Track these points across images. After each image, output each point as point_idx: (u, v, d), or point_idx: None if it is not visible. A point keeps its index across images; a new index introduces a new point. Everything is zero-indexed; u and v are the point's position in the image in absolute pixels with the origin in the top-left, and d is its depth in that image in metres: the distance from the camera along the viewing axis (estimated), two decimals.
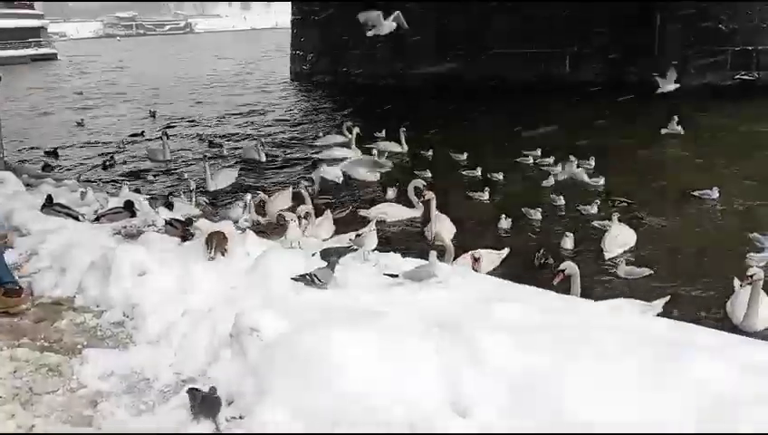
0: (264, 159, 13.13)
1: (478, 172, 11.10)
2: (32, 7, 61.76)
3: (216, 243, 5.00)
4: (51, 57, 56.94)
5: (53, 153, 14.68)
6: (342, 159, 12.32)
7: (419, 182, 9.24)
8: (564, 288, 5.61)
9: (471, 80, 22.44)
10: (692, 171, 11.16)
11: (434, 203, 8.03)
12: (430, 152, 12.66)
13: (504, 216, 8.47)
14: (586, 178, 10.38)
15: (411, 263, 5.29)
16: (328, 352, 3.26)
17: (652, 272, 6.79)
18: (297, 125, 19.10)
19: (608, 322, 4.21)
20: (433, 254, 4.72)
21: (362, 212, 9.01)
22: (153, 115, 20.77)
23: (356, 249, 5.12)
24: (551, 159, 11.35)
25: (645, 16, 19.88)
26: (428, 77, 24.05)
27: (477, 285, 4.92)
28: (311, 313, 3.93)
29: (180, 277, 4.72)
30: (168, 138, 14.30)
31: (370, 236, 5.58)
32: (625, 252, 7.52)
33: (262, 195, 9.08)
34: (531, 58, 22.22)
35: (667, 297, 5.62)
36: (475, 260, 6.44)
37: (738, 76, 18.90)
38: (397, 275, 4.62)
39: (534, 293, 4.90)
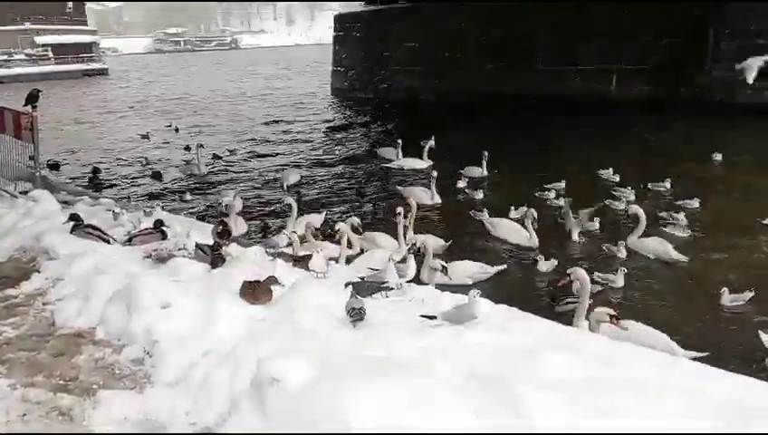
0: (297, 179, 13.09)
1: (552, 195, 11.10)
2: (85, 23, 63.89)
3: (258, 294, 4.67)
4: (102, 72, 58.65)
5: (96, 170, 14.83)
6: (419, 169, 13.66)
7: (533, 213, 8.82)
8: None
9: (515, 96, 22.07)
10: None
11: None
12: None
13: (542, 257, 8.06)
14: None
15: (450, 299, 4.96)
16: (354, 412, 2.94)
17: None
18: (336, 139, 19.00)
19: (664, 377, 3.77)
20: (474, 292, 4.35)
21: (484, 219, 9.30)
22: (176, 130, 21.05)
23: (392, 288, 4.79)
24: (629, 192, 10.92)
25: (696, 31, 19.16)
26: (471, 94, 23.75)
27: (520, 327, 4.51)
28: (339, 358, 3.63)
29: (205, 310, 4.47)
30: (201, 148, 14.36)
31: (408, 265, 5.26)
32: None
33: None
34: (578, 74, 21.72)
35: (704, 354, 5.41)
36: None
37: None
38: (434, 317, 4.26)
39: (584, 338, 4.50)
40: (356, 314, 4.31)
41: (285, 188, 12.62)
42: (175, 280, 5.07)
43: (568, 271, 5.92)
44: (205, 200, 11.91)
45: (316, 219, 9.63)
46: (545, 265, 7.86)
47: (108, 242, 6.50)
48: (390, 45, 27.45)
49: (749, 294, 6.70)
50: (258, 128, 21.79)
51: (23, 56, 58.32)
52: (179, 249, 6.66)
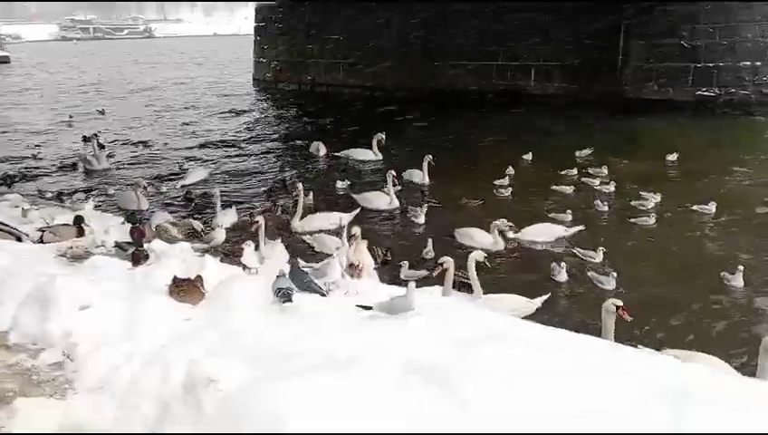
0: (203, 176, 12.45)
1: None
2: None
3: (188, 292, 4.44)
4: (4, 60, 54.77)
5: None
6: (366, 160, 13.87)
7: (502, 225, 8.65)
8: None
9: (433, 91, 22.50)
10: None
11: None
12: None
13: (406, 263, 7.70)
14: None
15: (386, 291, 4.93)
16: (294, 410, 2.85)
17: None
18: (260, 133, 18.58)
19: (598, 362, 3.89)
20: (411, 284, 4.34)
21: (458, 231, 8.92)
22: (70, 123, 19.87)
23: (324, 294, 4.67)
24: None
25: (609, 32, 20.07)
26: (392, 88, 23.92)
27: (456, 316, 4.55)
28: (274, 355, 3.53)
29: (128, 310, 4.24)
30: (96, 142, 13.55)
31: (332, 266, 5.01)
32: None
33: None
34: (497, 70, 22.30)
35: (547, 295, 6.36)
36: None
37: (699, 92, 19.12)
38: (370, 308, 4.23)
39: (517, 324, 4.59)
40: (284, 295, 4.23)
41: (181, 186, 11.76)
42: (94, 279, 4.79)
43: (440, 260, 6.20)
44: (107, 196, 11.20)
45: (229, 214, 9.36)
46: (405, 272, 7.56)
47: (19, 239, 6.08)
48: (313, 36, 27.14)
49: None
50: (174, 118, 20.92)
51: None
52: (97, 247, 6.34)
